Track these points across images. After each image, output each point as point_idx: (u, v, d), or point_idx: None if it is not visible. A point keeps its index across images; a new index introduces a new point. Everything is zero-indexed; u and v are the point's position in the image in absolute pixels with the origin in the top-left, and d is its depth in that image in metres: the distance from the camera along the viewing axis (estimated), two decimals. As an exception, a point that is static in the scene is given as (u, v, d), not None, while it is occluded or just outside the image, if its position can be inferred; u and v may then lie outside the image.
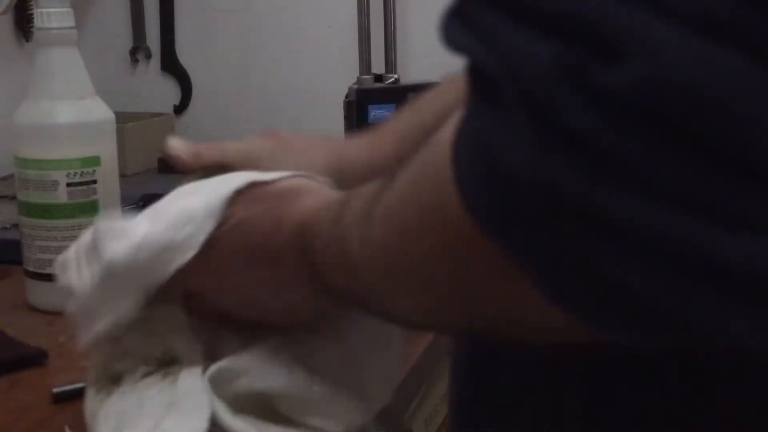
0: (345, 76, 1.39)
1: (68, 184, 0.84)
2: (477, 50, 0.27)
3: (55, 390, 0.67)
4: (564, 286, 0.27)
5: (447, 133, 0.30)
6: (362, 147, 0.67)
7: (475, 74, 0.27)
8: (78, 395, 0.66)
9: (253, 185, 0.49)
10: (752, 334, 0.25)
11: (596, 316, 0.27)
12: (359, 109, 1.23)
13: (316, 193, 0.48)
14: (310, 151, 0.66)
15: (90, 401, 0.54)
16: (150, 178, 1.45)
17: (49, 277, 0.85)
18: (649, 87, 0.22)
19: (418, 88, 0.77)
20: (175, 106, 1.70)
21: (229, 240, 0.48)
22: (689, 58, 0.22)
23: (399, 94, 1.21)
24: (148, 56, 1.71)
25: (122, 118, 1.24)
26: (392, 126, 0.68)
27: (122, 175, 0.96)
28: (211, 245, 0.48)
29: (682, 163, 0.22)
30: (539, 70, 0.24)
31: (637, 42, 0.22)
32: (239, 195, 0.48)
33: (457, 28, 0.28)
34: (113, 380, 0.54)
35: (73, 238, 0.85)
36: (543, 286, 0.28)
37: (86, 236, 0.54)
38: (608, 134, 0.23)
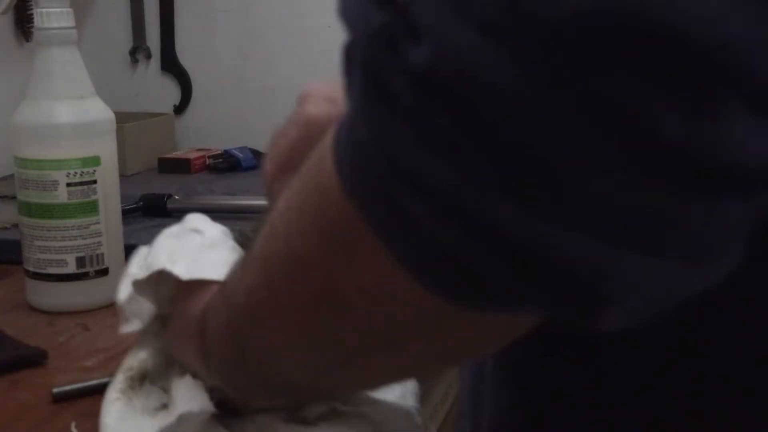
0: (345, 76, 1.39)
1: (68, 184, 0.84)
2: (344, 16, 0.31)
3: (55, 390, 0.67)
4: (390, 235, 0.30)
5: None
6: None
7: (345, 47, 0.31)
8: (78, 395, 0.66)
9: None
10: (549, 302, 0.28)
11: (429, 278, 0.30)
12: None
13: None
14: None
15: (113, 391, 0.59)
16: (150, 178, 1.45)
17: (49, 277, 0.85)
18: (434, 68, 0.26)
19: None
20: (175, 106, 1.70)
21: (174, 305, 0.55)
22: (463, 51, 0.25)
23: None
24: (148, 56, 1.71)
25: (122, 118, 1.24)
26: None
27: (122, 175, 0.96)
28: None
29: (455, 131, 0.26)
30: (369, 35, 0.28)
31: (429, 29, 0.26)
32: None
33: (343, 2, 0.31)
34: (140, 377, 0.60)
35: (73, 238, 0.86)
36: (381, 237, 0.30)
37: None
38: (412, 98, 0.27)
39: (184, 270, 0.54)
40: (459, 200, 0.27)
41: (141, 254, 0.63)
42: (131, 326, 0.60)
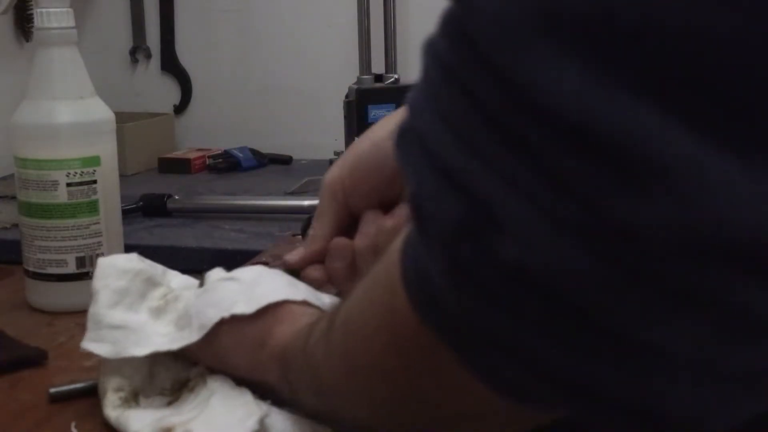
0: (345, 76, 1.39)
1: (68, 184, 0.84)
2: (415, 185, 0.33)
3: (52, 390, 0.67)
4: (492, 375, 0.33)
5: (397, 244, 0.37)
6: None
7: (412, 201, 0.33)
8: (74, 395, 0.66)
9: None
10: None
11: (521, 396, 0.33)
12: (359, 109, 1.23)
13: (292, 320, 0.55)
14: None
15: (111, 409, 0.61)
16: (150, 178, 1.45)
17: (49, 277, 0.85)
18: (523, 264, 0.29)
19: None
20: (175, 106, 1.70)
21: (226, 340, 0.57)
22: (549, 254, 0.28)
23: (399, 94, 1.21)
24: (148, 56, 1.71)
25: (122, 118, 1.24)
26: None
27: (122, 175, 0.96)
28: (212, 339, 0.57)
29: (545, 315, 0.29)
30: (450, 225, 0.30)
31: (516, 231, 0.28)
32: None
33: (402, 151, 0.34)
34: (133, 396, 0.62)
35: (73, 238, 0.86)
36: (477, 375, 0.34)
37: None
38: (492, 286, 0.30)
39: (246, 307, 0.56)
40: (555, 367, 0.30)
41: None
42: (102, 349, 0.62)
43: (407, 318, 0.35)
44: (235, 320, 0.56)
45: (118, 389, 0.61)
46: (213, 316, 0.57)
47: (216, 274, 0.62)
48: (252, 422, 0.52)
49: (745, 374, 0.30)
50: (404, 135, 0.33)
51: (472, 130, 0.29)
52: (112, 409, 0.60)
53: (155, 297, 0.64)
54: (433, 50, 0.32)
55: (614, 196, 0.27)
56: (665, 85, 0.26)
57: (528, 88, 0.28)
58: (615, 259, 0.27)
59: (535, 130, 0.28)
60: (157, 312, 0.63)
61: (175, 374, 0.61)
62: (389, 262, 0.37)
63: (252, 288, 0.58)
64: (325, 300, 0.59)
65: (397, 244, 0.36)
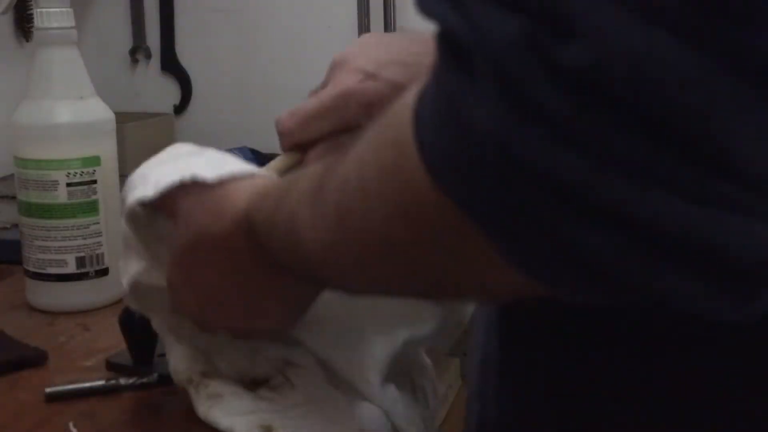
0: (345, 76, 1.39)
1: (68, 184, 0.84)
2: (449, 18, 0.29)
3: (48, 390, 0.67)
4: (519, 247, 0.29)
5: (408, 98, 0.32)
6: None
7: (445, 40, 0.29)
8: (71, 396, 0.66)
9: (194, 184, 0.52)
10: (697, 299, 0.27)
11: (552, 278, 0.29)
12: (359, 109, 1.23)
13: (254, 183, 0.50)
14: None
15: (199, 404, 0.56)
16: (150, 178, 1.45)
17: (49, 277, 0.85)
18: (597, 66, 0.24)
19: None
20: (175, 106, 1.70)
21: (184, 204, 0.53)
22: (631, 43, 0.24)
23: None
24: (148, 56, 1.71)
25: (122, 118, 1.24)
26: None
27: (122, 175, 0.95)
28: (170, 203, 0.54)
29: (624, 134, 0.25)
30: (507, 43, 0.26)
31: (589, 24, 0.24)
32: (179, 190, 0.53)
33: None
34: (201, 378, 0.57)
35: (73, 238, 0.86)
36: (499, 246, 0.29)
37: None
38: (563, 105, 0.25)
39: (208, 173, 0.52)
40: (633, 209, 0.25)
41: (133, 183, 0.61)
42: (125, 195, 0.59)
43: (418, 178, 0.31)
44: (195, 186, 0.52)
45: (189, 379, 0.57)
46: (169, 179, 0.55)
47: (182, 148, 0.59)
48: None
49: None
50: None
51: None
52: (199, 405, 0.56)
53: None
54: None
55: None
56: None
57: None
58: (707, 43, 0.23)
59: None
60: None
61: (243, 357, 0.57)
62: (399, 117, 0.32)
63: (219, 162, 0.54)
64: None
65: (405, 101, 0.32)
